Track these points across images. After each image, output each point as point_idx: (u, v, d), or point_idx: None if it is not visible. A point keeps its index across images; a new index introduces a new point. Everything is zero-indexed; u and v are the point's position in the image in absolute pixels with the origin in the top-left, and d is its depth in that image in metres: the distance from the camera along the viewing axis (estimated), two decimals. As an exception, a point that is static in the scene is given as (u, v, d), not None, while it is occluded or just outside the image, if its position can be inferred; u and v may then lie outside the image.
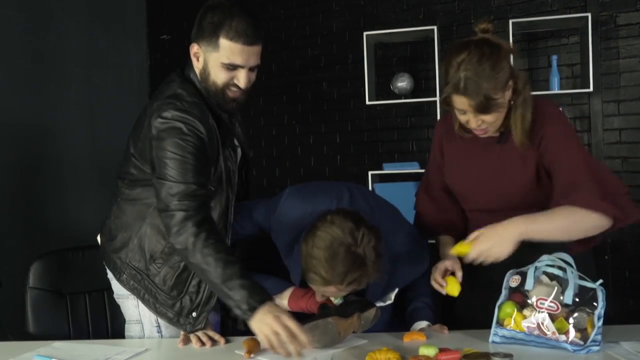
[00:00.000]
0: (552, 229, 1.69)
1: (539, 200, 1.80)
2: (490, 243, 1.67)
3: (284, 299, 1.88)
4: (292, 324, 1.58)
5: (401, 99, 3.96)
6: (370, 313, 1.77)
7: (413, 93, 3.97)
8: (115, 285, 1.97)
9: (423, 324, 1.91)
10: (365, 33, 3.86)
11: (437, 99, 3.75)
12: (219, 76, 1.77)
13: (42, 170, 3.74)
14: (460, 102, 1.70)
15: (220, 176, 1.83)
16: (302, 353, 1.59)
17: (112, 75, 4.31)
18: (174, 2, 4.80)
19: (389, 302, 1.92)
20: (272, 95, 4.49)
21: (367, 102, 3.88)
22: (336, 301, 1.80)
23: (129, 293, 1.93)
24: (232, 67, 1.75)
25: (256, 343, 1.68)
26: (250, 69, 1.79)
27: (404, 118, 4.16)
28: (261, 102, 4.53)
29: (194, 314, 1.86)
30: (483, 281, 1.87)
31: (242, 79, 1.77)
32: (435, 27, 3.74)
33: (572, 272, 1.66)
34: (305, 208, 1.82)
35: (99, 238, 2.05)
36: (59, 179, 3.84)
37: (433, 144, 2.01)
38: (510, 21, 3.54)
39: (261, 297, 1.64)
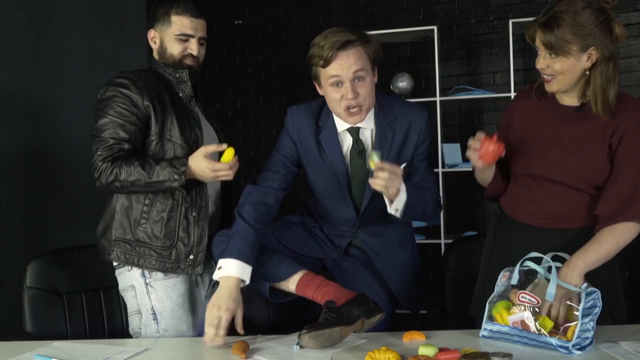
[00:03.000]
0: (605, 257, 1.73)
1: (598, 183, 1.79)
2: (561, 301, 1.68)
3: (292, 284, 1.88)
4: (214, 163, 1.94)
5: (401, 99, 3.95)
6: (376, 318, 1.77)
7: (413, 93, 3.97)
8: (120, 279, 2.11)
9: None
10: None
11: (437, 99, 3.75)
12: (174, 48, 2.12)
13: (42, 169, 3.75)
14: (538, 36, 1.75)
15: (171, 132, 2.07)
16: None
17: (112, 75, 4.30)
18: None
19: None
20: (272, 95, 4.49)
21: (367, 102, 3.88)
22: (375, 158, 1.78)
23: (129, 285, 2.07)
24: (184, 38, 2.11)
25: (246, 344, 1.69)
26: (200, 42, 2.15)
27: (404, 118, 4.16)
28: (261, 102, 4.54)
29: (191, 257, 2.06)
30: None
31: (194, 47, 2.13)
32: (435, 27, 3.74)
33: (555, 270, 1.69)
34: (311, 105, 2.06)
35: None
36: (58, 178, 3.84)
37: (505, 114, 2.00)
38: (510, 21, 3.54)
39: (180, 160, 1.97)
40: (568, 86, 1.77)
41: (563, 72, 1.74)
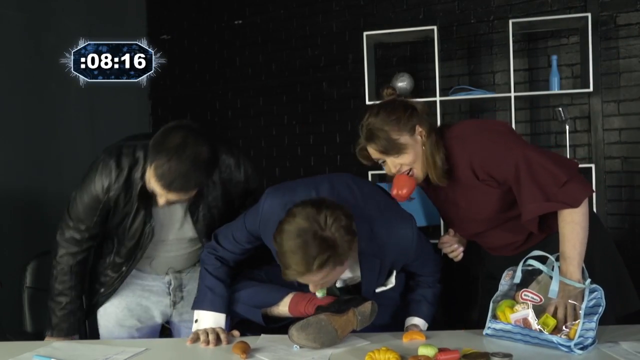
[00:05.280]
0: (582, 241, 1.71)
1: (511, 208, 1.84)
2: (565, 300, 1.69)
3: (284, 306, 1.88)
4: None
5: (401, 99, 3.94)
6: (366, 307, 1.77)
7: (413, 93, 3.96)
8: None
9: (414, 320, 1.94)
10: (365, 33, 3.85)
11: (437, 99, 3.75)
12: (148, 181, 1.82)
13: (42, 170, 3.74)
14: (371, 151, 1.86)
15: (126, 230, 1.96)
16: None
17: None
18: (174, 2, 4.80)
19: (390, 285, 1.92)
20: (272, 95, 4.49)
21: (367, 102, 3.86)
22: (320, 294, 1.79)
23: None
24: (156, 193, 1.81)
25: (246, 345, 1.69)
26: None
27: (404, 118, 4.15)
28: (261, 102, 4.53)
29: None
30: (484, 277, 1.92)
31: (161, 202, 1.83)
32: (435, 27, 3.73)
33: (557, 268, 1.70)
34: (285, 204, 1.79)
35: None
36: (58, 178, 3.84)
37: None
38: (510, 21, 3.53)
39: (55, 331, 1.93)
40: (426, 167, 1.85)
41: (414, 160, 1.84)
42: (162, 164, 1.71)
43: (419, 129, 1.84)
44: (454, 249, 2.01)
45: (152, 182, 1.77)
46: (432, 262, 2.01)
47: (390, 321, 1.96)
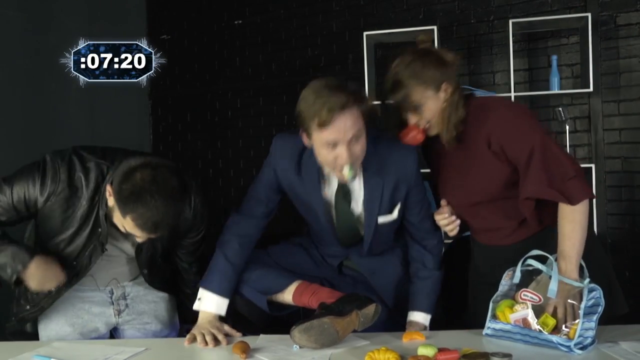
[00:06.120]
0: (581, 240, 1.71)
1: (510, 187, 1.83)
2: (564, 299, 1.69)
3: (288, 294, 1.89)
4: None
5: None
6: (369, 309, 1.77)
7: (413, 93, 3.97)
8: None
9: (415, 315, 1.96)
10: (365, 33, 3.85)
11: (437, 99, 3.76)
12: (120, 226, 1.76)
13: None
14: (394, 100, 1.86)
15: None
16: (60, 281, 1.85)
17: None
18: (174, 2, 4.80)
19: (393, 217, 1.96)
20: (272, 95, 4.49)
21: (367, 102, 3.87)
22: (348, 173, 1.79)
23: None
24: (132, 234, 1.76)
25: (246, 345, 1.69)
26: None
27: (404, 118, 4.16)
28: (261, 102, 4.53)
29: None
30: (485, 278, 1.91)
31: (140, 241, 1.81)
32: (435, 27, 3.73)
33: (556, 267, 1.70)
34: (295, 141, 1.89)
35: None
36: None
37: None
38: (510, 21, 3.54)
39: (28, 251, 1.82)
40: (444, 123, 1.84)
41: (434, 115, 1.84)
42: (140, 215, 1.64)
43: (445, 85, 1.83)
44: (450, 220, 1.95)
45: (134, 231, 1.71)
46: (430, 218, 2.02)
47: (393, 293, 2.03)
